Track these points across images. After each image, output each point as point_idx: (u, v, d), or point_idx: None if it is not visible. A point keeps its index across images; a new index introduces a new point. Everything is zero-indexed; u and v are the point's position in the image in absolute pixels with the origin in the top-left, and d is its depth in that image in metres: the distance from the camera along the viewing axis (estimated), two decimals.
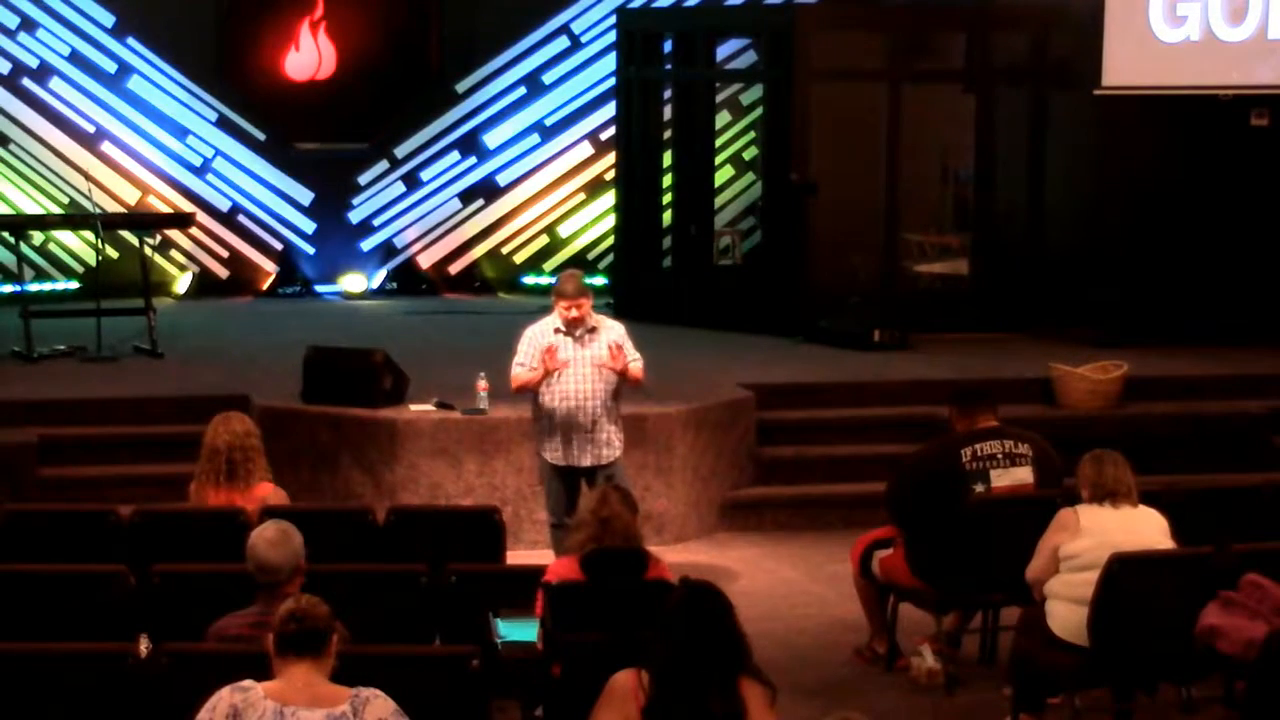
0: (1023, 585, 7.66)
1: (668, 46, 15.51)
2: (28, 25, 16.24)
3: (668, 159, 15.56)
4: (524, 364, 9.40)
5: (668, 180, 15.58)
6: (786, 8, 15.78)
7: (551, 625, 6.63)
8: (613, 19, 16.30)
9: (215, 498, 7.89)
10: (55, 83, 16.33)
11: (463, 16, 16.94)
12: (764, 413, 11.83)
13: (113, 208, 15.85)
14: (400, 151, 17.11)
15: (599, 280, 16.65)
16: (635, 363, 9.48)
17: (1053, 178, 14.74)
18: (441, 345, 13.95)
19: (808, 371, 12.90)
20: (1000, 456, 8.30)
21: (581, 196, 17.31)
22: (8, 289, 15.72)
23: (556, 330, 9.40)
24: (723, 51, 16.24)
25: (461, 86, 17.08)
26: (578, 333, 9.39)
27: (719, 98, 16.31)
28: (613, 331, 9.51)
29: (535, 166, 17.23)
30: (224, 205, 16.85)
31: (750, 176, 17.05)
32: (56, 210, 16.06)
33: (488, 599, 7.03)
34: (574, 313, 9.34)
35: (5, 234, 14.37)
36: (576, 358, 9.38)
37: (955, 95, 15.11)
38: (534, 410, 9.53)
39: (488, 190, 17.25)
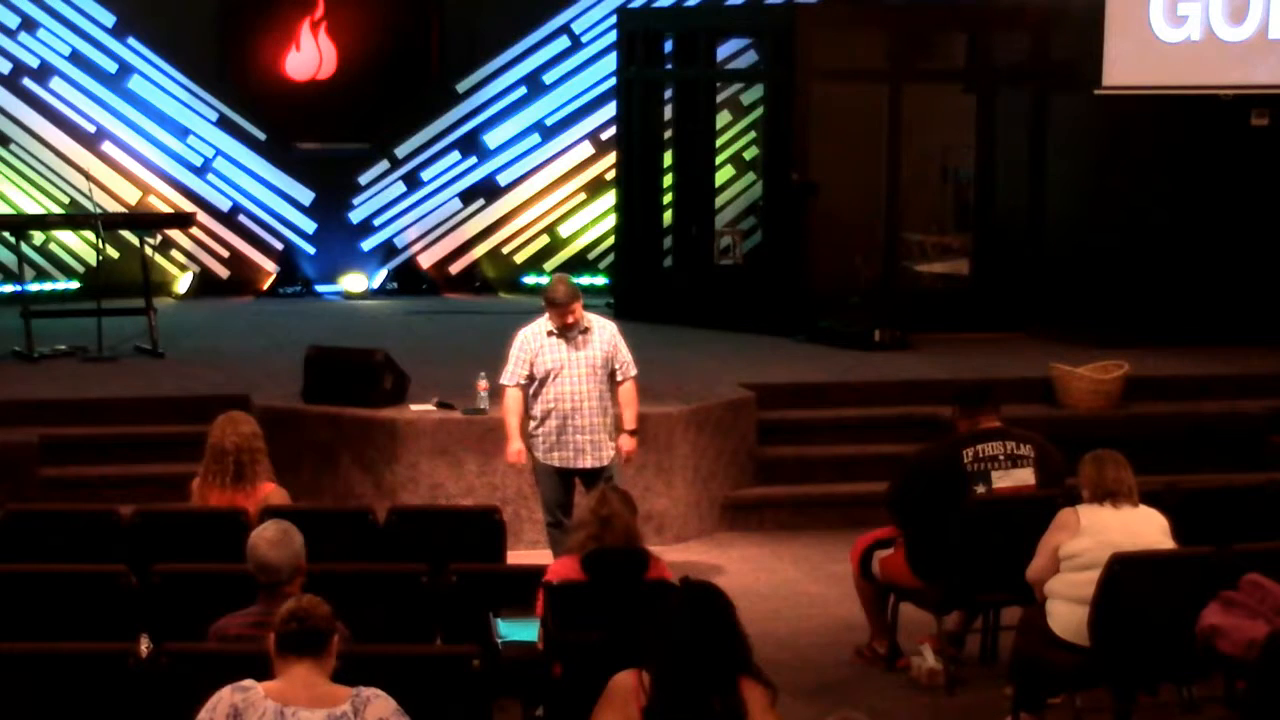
0: (1023, 585, 7.66)
1: (668, 46, 15.52)
2: (28, 25, 16.24)
3: (668, 159, 15.56)
4: (515, 377, 9.39)
5: (668, 180, 15.58)
6: (787, 8, 15.77)
7: (552, 625, 6.63)
8: (613, 19, 16.29)
9: (219, 498, 7.89)
10: (56, 82, 16.34)
11: (463, 16, 16.94)
12: (764, 413, 11.82)
13: (113, 207, 15.85)
14: (401, 151, 17.11)
15: (599, 280, 16.67)
16: (626, 372, 9.51)
17: (1053, 178, 14.74)
18: (442, 345, 13.94)
19: (808, 371, 12.90)
20: (1002, 458, 8.30)
21: (582, 196, 17.32)
22: (8, 289, 15.73)
23: (549, 333, 9.39)
24: (723, 51, 16.25)
25: (462, 86, 17.08)
26: (571, 334, 9.40)
27: (719, 98, 16.32)
28: (605, 330, 9.50)
29: (536, 166, 17.23)
30: (224, 205, 16.85)
31: (751, 176, 17.05)
32: (57, 210, 16.06)
33: (488, 599, 7.02)
34: (569, 318, 9.34)
35: (6, 234, 14.38)
36: (571, 359, 9.37)
37: (956, 95, 15.11)
38: (529, 412, 9.53)
39: (488, 190, 17.25)
